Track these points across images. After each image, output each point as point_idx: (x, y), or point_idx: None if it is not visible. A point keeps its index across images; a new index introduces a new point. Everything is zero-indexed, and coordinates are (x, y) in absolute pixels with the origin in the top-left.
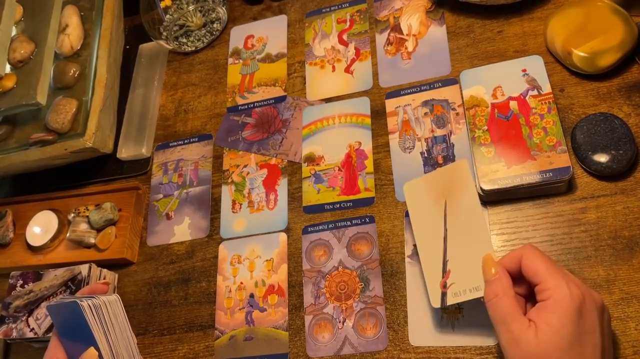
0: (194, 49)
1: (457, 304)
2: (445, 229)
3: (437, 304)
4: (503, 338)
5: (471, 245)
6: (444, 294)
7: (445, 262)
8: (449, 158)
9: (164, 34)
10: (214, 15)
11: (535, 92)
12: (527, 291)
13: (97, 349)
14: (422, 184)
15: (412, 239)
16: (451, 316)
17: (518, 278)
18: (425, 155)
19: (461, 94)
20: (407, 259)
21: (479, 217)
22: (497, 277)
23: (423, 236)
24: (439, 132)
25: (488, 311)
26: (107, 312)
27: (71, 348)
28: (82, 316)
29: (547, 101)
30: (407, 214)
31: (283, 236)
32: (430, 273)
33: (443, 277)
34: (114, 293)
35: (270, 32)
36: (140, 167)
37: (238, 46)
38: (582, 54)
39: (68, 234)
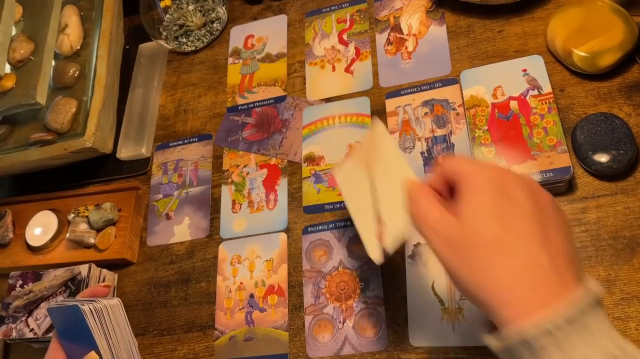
0: (193, 48)
1: (399, 244)
2: (373, 187)
3: (377, 257)
4: (429, 240)
5: (398, 188)
6: (383, 246)
7: (379, 217)
8: None
9: (164, 33)
10: (213, 15)
11: (535, 92)
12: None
13: (98, 353)
14: (348, 163)
15: (412, 240)
16: (451, 316)
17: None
18: (426, 155)
19: (461, 94)
20: (407, 260)
21: (400, 163)
22: (416, 187)
23: (355, 208)
24: (439, 132)
25: (413, 224)
26: (108, 316)
27: (72, 351)
28: (84, 319)
29: (547, 101)
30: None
31: (283, 236)
32: (366, 234)
33: (377, 230)
34: (114, 294)
35: (270, 32)
36: (140, 167)
37: (238, 46)
38: (582, 53)
39: (68, 234)
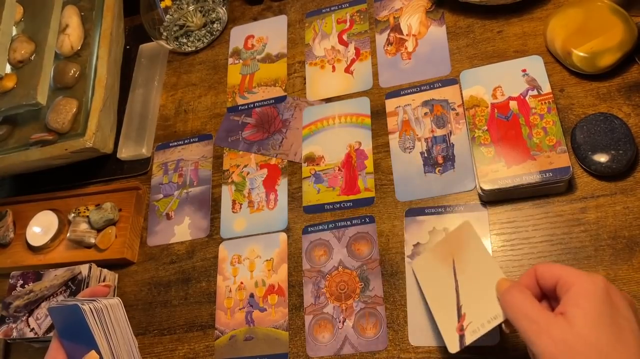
0: (194, 49)
1: (477, 338)
2: (456, 281)
3: (455, 347)
4: (528, 330)
5: (484, 286)
6: (461, 337)
7: (459, 309)
8: (449, 158)
9: (164, 34)
10: (214, 16)
11: (535, 92)
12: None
13: (99, 352)
14: (429, 256)
15: (412, 239)
16: None
17: (537, 296)
18: (425, 155)
19: (461, 94)
20: (407, 259)
21: (489, 262)
22: (511, 284)
23: (434, 297)
24: (439, 132)
25: (507, 314)
26: (108, 315)
27: (72, 350)
28: (84, 319)
29: (547, 101)
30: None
31: (283, 236)
32: (444, 324)
33: (459, 322)
34: (114, 294)
35: (270, 32)
36: (141, 167)
37: (238, 46)
38: (582, 54)
39: (68, 234)
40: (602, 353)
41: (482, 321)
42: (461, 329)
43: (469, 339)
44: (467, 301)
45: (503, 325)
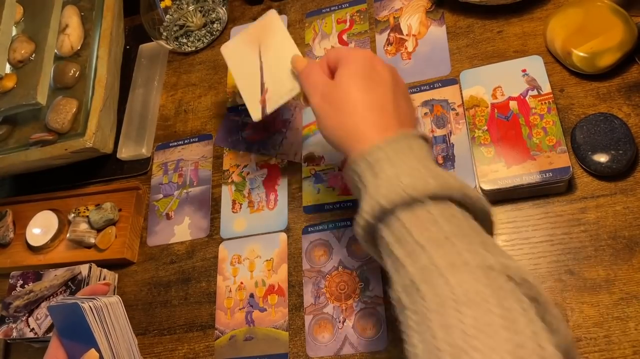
0: (194, 49)
1: (278, 106)
2: (261, 62)
3: (257, 116)
4: (309, 92)
5: (284, 63)
6: (264, 107)
7: (262, 85)
8: (449, 158)
9: (164, 34)
10: (214, 16)
11: (535, 92)
12: None
13: (98, 350)
14: (238, 41)
15: None
16: None
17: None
18: None
19: (461, 94)
20: None
21: (289, 44)
22: (309, 62)
23: (241, 77)
24: (439, 132)
25: (303, 86)
26: (108, 314)
27: (72, 349)
28: (84, 317)
29: (546, 101)
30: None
31: (283, 236)
32: (249, 98)
33: (262, 95)
34: (114, 293)
35: None
36: (140, 167)
37: None
38: (582, 54)
39: (68, 234)
40: (357, 100)
41: (281, 92)
42: (264, 102)
43: (270, 108)
44: (270, 79)
45: (302, 99)
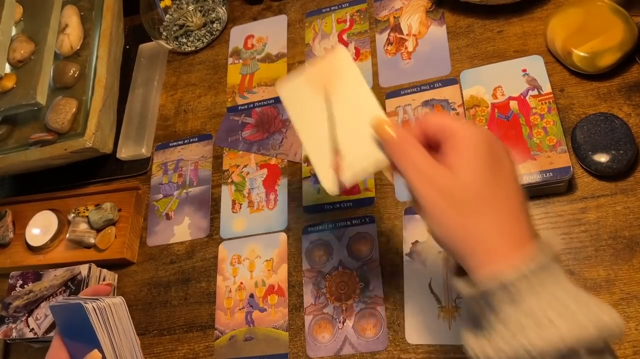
0: (193, 49)
1: (360, 179)
2: (330, 113)
3: (333, 189)
4: (416, 180)
5: (361, 120)
6: (339, 177)
7: (335, 145)
8: None
9: (164, 34)
10: (213, 15)
11: (535, 92)
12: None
13: (101, 351)
14: (299, 80)
15: (410, 238)
16: (448, 314)
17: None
18: None
19: (461, 94)
20: (405, 258)
21: (366, 95)
22: (395, 131)
23: (305, 129)
24: None
25: (396, 162)
26: (111, 315)
27: (74, 349)
28: (87, 318)
29: (547, 101)
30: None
31: (283, 236)
32: (318, 161)
33: (335, 158)
34: (115, 294)
35: (270, 32)
36: (140, 167)
37: (238, 46)
38: (582, 54)
39: (68, 234)
40: (485, 200)
41: (363, 164)
42: (337, 168)
43: (347, 180)
44: (345, 140)
45: (386, 172)
